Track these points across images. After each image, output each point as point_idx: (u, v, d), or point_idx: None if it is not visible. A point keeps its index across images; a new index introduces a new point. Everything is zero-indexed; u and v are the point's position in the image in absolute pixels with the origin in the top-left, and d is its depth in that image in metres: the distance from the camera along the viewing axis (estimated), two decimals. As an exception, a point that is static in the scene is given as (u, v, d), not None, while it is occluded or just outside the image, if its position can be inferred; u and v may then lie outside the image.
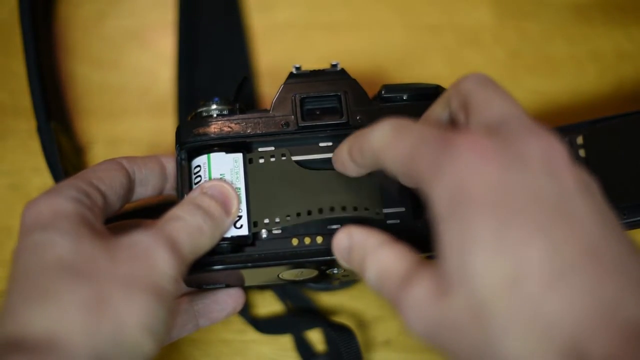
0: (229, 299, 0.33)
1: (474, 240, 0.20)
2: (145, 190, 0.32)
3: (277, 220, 0.29)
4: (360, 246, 0.26)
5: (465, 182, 0.21)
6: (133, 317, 0.24)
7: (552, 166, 0.21)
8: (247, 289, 0.37)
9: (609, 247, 0.20)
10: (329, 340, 0.38)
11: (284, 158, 0.30)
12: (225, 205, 0.29)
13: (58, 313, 0.23)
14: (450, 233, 0.21)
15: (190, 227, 0.27)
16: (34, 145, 0.42)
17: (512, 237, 0.20)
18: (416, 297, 0.23)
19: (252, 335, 0.39)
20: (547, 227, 0.20)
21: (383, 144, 0.24)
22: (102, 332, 0.23)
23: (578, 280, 0.19)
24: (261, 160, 0.30)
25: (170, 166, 0.32)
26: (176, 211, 0.28)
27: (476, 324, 0.20)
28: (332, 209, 0.29)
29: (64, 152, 0.40)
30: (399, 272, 0.24)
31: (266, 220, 0.29)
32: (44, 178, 0.42)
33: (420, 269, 0.23)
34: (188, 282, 0.31)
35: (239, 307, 0.34)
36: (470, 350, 0.21)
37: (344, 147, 0.27)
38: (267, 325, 0.39)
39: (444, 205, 0.21)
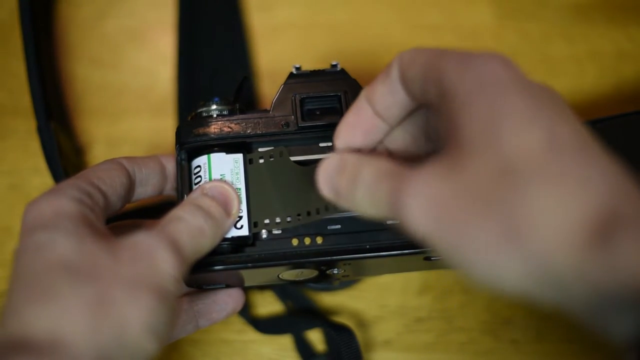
0: (229, 299, 0.33)
1: (508, 110, 0.21)
2: (146, 190, 0.32)
3: (278, 220, 0.29)
4: (355, 161, 0.25)
5: (495, 69, 0.22)
6: (136, 317, 0.23)
7: (558, 95, 0.23)
8: (247, 289, 0.37)
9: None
10: (329, 340, 0.38)
11: (281, 157, 0.30)
12: (225, 206, 0.29)
13: (61, 313, 0.23)
14: (477, 108, 0.21)
15: (191, 228, 0.27)
16: (34, 145, 0.42)
17: (544, 112, 0.21)
18: (422, 180, 0.22)
19: (252, 335, 0.39)
20: (566, 111, 0.22)
21: (413, 52, 0.25)
22: (104, 332, 0.23)
23: (599, 154, 0.20)
24: (261, 161, 0.30)
25: (170, 166, 0.32)
26: (177, 212, 0.28)
27: (501, 187, 0.20)
28: (326, 208, 0.29)
29: (64, 152, 0.40)
30: (399, 169, 0.23)
31: (266, 221, 0.29)
32: (44, 178, 0.42)
33: (423, 161, 0.22)
34: (188, 282, 0.31)
35: (239, 307, 0.34)
36: (492, 218, 0.20)
37: (360, 97, 0.27)
38: (267, 325, 0.39)
39: (471, 90, 0.22)
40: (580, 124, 0.22)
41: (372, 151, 0.28)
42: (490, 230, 0.20)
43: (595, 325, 0.20)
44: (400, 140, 0.28)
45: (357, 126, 0.27)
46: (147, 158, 0.32)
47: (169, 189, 0.33)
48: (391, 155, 0.28)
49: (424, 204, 0.21)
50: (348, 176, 0.25)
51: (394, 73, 0.25)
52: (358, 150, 0.27)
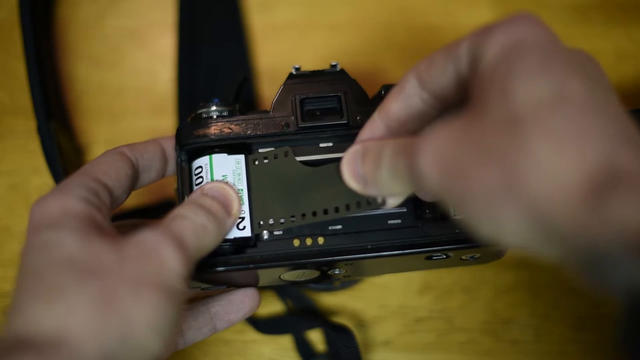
0: (246, 299, 0.33)
1: (523, 66, 0.21)
2: (149, 175, 0.31)
3: (282, 221, 0.29)
4: (376, 145, 0.26)
5: (521, 33, 0.22)
6: (142, 316, 0.23)
7: (593, 61, 0.23)
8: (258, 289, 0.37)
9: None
10: (328, 340, 0.38)
11: (286, 157, 0.30)
12: (226, 206, 0.29)
13: (67, 311, 0.23)
14: (496, 70, 0.21)
15: (195, 226, 0.27)
16: (34, 145, 0.42)
17: (559, 66, 0.21)
18: (439, 136, 0.22)
19: (252, 335, 0.39)
20: (589, 74, 0.21)
21: (429, 57, 0.25)
22: (110, 331, 0.23)
23: (615, 113, 0.21)
24: (265, 161, 0.30)
25: (169, 147, 0.32)
26: (180, 210, 0.27)
27: (506, 137, 0.20)
28: (336, 210, 0.29)
29: (64, 152, 0.40)
30: (415, 139, 0.24)
31: (271, 221, 0.29)
32: (44, 178, 0.42)
33: (439, 122, 0.23)
34: (189, 283, 0.31)
35: (256, 307, 0.33)
36: (494, 166, 0.20)
37: (372, 118, 0.28)
38: (267, 325, 0.39)
39: (495, 54, 0.22)
40: (605, 88, 0.22)
41: None
42: (491, 179, 0.20)
43: (591, 279, 0.20)
44: None
45: (401, 94, 0.27)
46: (147, 143, 0.31)
47: (171, 171, 0.32)
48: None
49: (433, 160, 0.22)
50: (371, 160, 0.26)
51: (410, 84, 0.26)
52: None
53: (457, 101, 0.25)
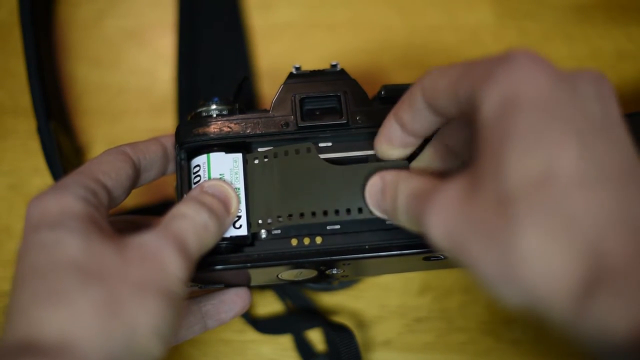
0: (237, 299, 0.33)
1: (512, 135, 0.20)
2: (150, 175, 0.31)
3: (281, 220, 0.29)
4: (393, 181, 0.27)
5: (518, 86, 0.21)
6: (144, 321, 0.23)
7: (601, 94, 0.22)
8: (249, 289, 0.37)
9: None
10: (328, 340, 0.38)
11: (299, 154, 0.30)
12: (225, 204, 0.29)
13: (71, 315, 0.22)
14: (492, 132, 0.21)
15: (197, 226, 0.27)
16: (34, 145, 0.42)
17: (551, 137, 0.20)
18: (444, 200, 0.22)
19: (252, 335, 0.39)
20: (588, 137, 0.20)
21: (434, 76, 0.24)
22: (115, 336, 0.22)
23: (608, 188, 0.20)
24: (266, 160, 0.30)
25: (171, 145, 0.32)
26: (181, 209, 0.27)
27: (500, 219, 0.20)
28: (337, 212, 0.29)
29: (64, 152, 0.40)
30: (429, 184, 0.24)
31: (269, 220, 0.29)
32: (44, 178, 0.42)
33: (452, 178, 0.23)
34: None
35: (247, 306, 0.33)
36: (492, 251, 0.20)
37: (390, 117, 0.27)
38: (266, 325, 0.39)
39: (492, 110, 0.21)
40: (608, 131, 0.21)
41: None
42: (489, 262, 0.20)
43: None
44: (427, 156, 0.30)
45: (390, 141, 0.28)
46: (149, 142, 0.31)
47: (172, 169, 0.32)
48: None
49: (438, 228, 0.22)
50: (389, 198, 0.27)
51: (418, 100, 0.25)
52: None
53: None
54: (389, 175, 0.27)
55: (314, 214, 0.29)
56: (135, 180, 0.30)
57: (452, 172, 0.25)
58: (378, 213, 0.28)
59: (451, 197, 0.22)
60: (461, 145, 0.28)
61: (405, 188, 0.25)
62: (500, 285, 0.20)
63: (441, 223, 0.22)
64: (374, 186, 0.28)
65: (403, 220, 0.26)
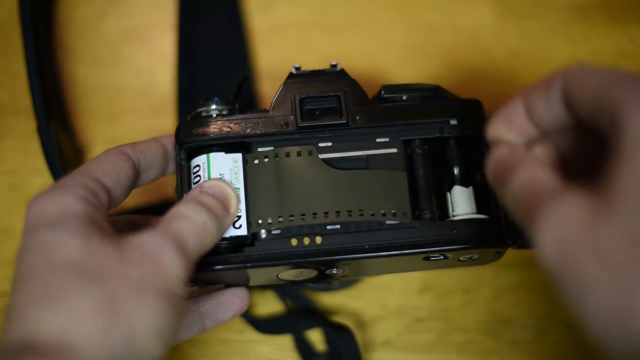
0: (235, 299, 0.33)
1: None
2: (149, 175, 0.31)
3: (280, 220, 0.29)
4: (513, 161, 0.25)
5: None
6: (144, 321, 0.23)
7: None
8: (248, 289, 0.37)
9: None
10: (328, 340, 0.38)
11: (301, 156, 0.30)
12: (224, 204, 0.29)
13: (70, 316, 0.22)
14: (637, 158, 0.19)
15: (196, 226, 0.27)
16: (34, 145, 0.42)
17: None
18: (564, 213, 0.21)
19: (252, 335, 0.39)
20: None
21: (581, 73, 0.23)
22: (114, 336, 0.22)
23: None
24: (266, 160, 0.30)
25: (170, 145, 0.32)
26: (180, 209, 0.27)
27: (634, 262, 0.18)
28: (337, 214, 0.29)
29: (64, 152, 0.40)
30: (548, 184, 0.22)
31: (269, 220, 0.29)
32: (44, 178, 0.42)
33: (574, 188, 0.21)
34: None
35: (246, 307, 0.33)
36: (613, 289, 0.19)
37: (517, 99, 0.26)
38: (266, 325, 0.39)
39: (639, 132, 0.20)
40: None
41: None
42: (607, 299, 0.19)
43: None
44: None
45: (511, 124, 0.26)
46: (149, 142, 0.31)
47: (171, 169, 0.32)
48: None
49: (556, 238, 0.21)
50: (504, 174, 0.25)
51: (555, 90, 0.24)
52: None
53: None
54: (516, 153, 0.25)
55: (314, 214, 0.29)
56: (135, 180, 0.30)
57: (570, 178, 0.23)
58: (491, 180, 0.26)
59: (573, 213, 0.20)
60: (572, 150, 0.27)
61: (523, 177, 0.23)
62: (609, 326, 0.19)
63: (556, 238, 0.20)
64: (499, 155, 0.25)
65: (509, 203, 0.24)
